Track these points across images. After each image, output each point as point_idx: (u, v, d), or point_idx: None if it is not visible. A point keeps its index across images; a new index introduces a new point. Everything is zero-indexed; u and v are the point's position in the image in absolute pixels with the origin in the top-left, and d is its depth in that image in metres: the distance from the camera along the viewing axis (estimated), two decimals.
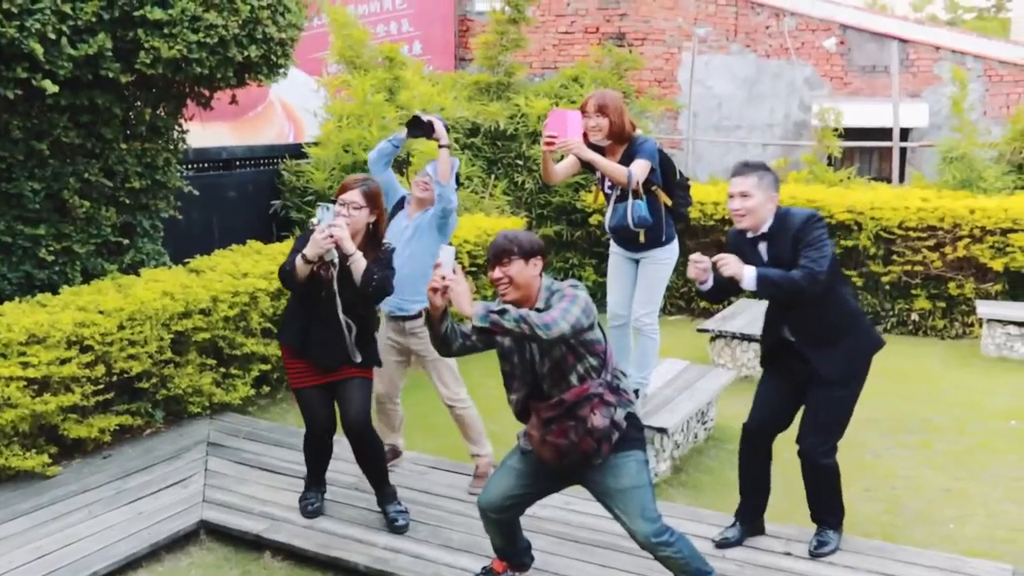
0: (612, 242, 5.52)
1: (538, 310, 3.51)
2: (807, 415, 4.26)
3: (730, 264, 4.01)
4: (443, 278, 3.43)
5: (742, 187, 4.12)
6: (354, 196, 4.39)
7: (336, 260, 4.32)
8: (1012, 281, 8.72)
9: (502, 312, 3.35)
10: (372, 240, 4.47)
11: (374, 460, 4.65)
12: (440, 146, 4.93)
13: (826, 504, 4.40)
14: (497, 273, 3.57)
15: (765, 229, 4.15)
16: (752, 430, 4.42)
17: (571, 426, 3.55)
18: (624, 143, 5.15)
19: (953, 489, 5.42)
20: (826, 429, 4.23)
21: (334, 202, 4.40)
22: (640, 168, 5.03)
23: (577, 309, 3.44)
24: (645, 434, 3.86)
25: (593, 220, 9.76)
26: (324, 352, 4.47)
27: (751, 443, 4.44)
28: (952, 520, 5.02)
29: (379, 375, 5.00)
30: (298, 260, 4.31)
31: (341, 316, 4.40)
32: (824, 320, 4.14)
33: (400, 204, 5.18)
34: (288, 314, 4.69)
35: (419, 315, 4.93)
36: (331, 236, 4.22)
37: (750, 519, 4.50)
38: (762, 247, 4.19)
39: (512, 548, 4.03)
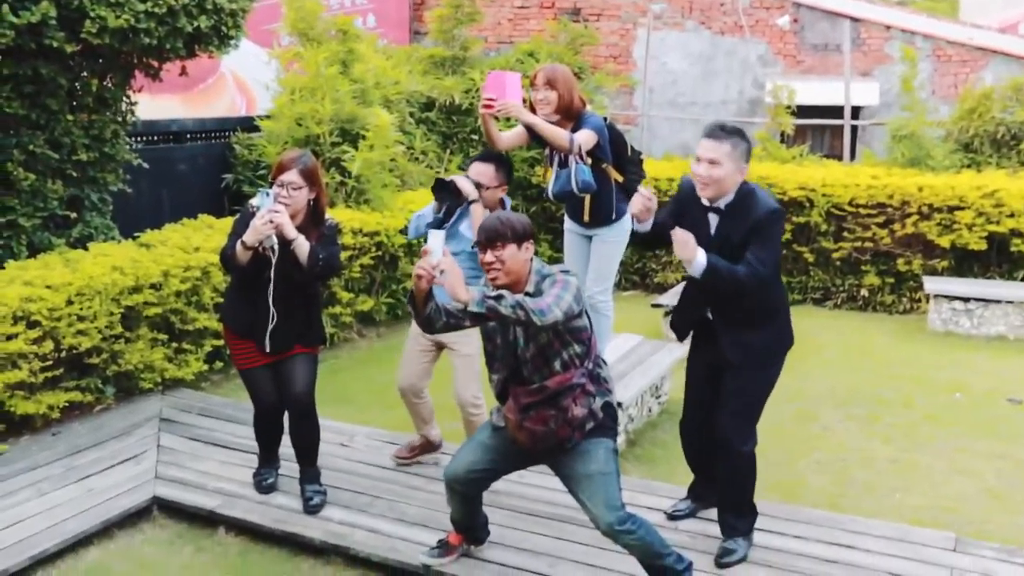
0: (566, 218, 5.52)
1: (528, 294, 3.47)
2: (722, 399, 4.06)
3: (687, 246, 3.76)
4: (433, 265, 3.35)
5: (713, 153, 3.77)
6: (292, 176, 4.27)
7: (276, 246, 4.24)
8: (958, 258, 8.89)
9: (498, 298, 3.30)
10: (313, 217, 4.39)
11: (309, 437, 4.62)
12: (469, 202, 4.51)
13: (737, 503, 4.13)
14: (489, 257, 3.50)
15: (723, 203, 3.91)
16: (689, 425, 4.35)
17: (551, 415, 3.53)
18: (573, 119, 5.11)
19: (900, 460, 5.54)
20: (741, 413, 4.02)
21: (271, 184, 4.32)
22: (584, 136, 4.99)
23: (569, 295, 3.41)
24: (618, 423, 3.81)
25: None
26: (273, 335, 4.41)
27: (690, 435, 4.39)
28: (899, 490, 5.13)
29: (403, 368, 4.88)
30: (238, 246, 4.23)
31: (270, 303, 4.33)
32: (749, 308, 3.96)
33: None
34: (231, 296, 4.62)
35: None
36: (271, 222, 4.14)
37: (704, 495, 4.49)
38: (713, 218, 3.93)
39: (471, 522, 4.03)
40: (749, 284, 3.79)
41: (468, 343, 4.70)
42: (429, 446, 5.10)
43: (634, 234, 4.16)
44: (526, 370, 3.59)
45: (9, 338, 5.09)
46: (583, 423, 3.57)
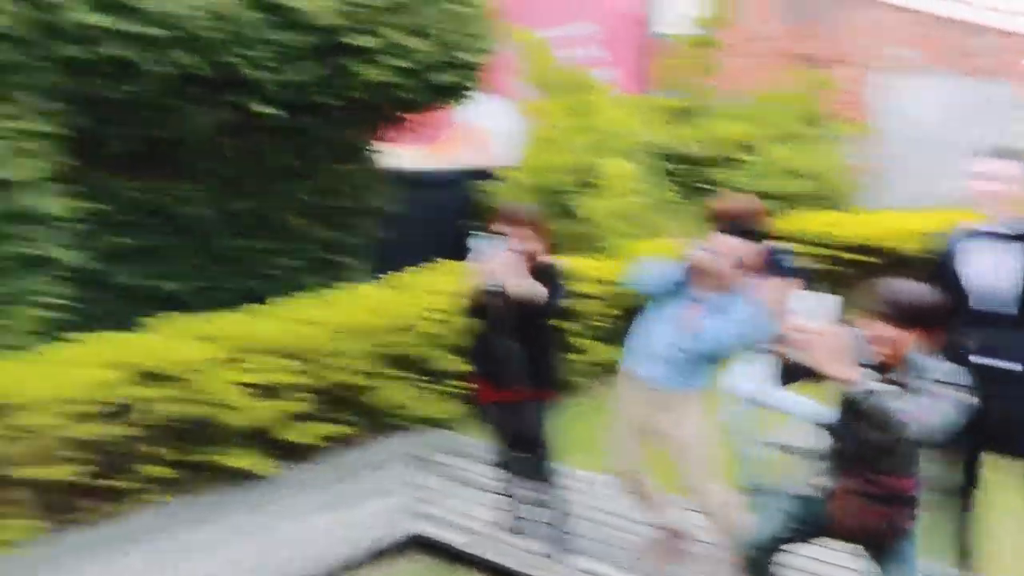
0: None
1: (893, 381, 3.09)
2: None
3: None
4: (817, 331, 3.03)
5: (1006, 171, 3.44)
6: (520, 230, 4.39)
7: (501, 290, 4.32)
8: None
9: (887, 400, 2.93)
10: (536, 263, 4.44)
11: (539, 478, 4.63)
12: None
13: None
14: (886, 332, 3.11)
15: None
16: None
17: (885, 513, 3.21)
18: None
19: None
20: None
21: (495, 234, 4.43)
22: None
23: (955, 414, 3.00)
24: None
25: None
26: (499, 372, 4.49)
27: None
28: None
29: (616, 450, 4.42)
30: (468, 292, 4.42)
31: (501, 345, 4.42)
32: None
33: None
34: (475, 338, 4.74)
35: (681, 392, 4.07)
36: (496, 268, 4.27)
37: None
38: (1019, 248, 3.45)
39: None
40: None
41: (681, 424, 4.07)
42: (674, 538, 4.47)
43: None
44: (867, 453, 3.23)
45: (280, 370, 5.42)
46: (908, 533, 3.29)
